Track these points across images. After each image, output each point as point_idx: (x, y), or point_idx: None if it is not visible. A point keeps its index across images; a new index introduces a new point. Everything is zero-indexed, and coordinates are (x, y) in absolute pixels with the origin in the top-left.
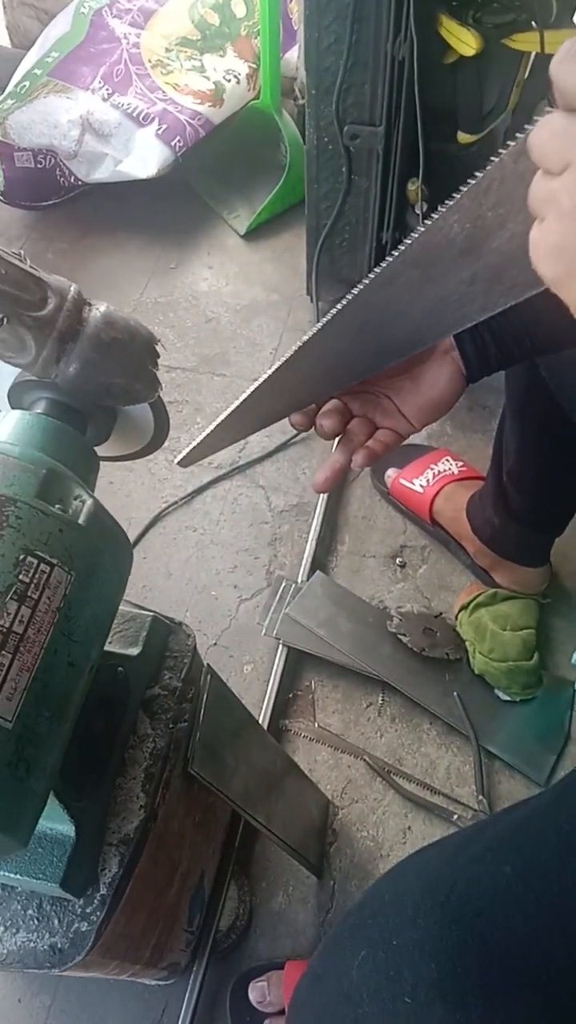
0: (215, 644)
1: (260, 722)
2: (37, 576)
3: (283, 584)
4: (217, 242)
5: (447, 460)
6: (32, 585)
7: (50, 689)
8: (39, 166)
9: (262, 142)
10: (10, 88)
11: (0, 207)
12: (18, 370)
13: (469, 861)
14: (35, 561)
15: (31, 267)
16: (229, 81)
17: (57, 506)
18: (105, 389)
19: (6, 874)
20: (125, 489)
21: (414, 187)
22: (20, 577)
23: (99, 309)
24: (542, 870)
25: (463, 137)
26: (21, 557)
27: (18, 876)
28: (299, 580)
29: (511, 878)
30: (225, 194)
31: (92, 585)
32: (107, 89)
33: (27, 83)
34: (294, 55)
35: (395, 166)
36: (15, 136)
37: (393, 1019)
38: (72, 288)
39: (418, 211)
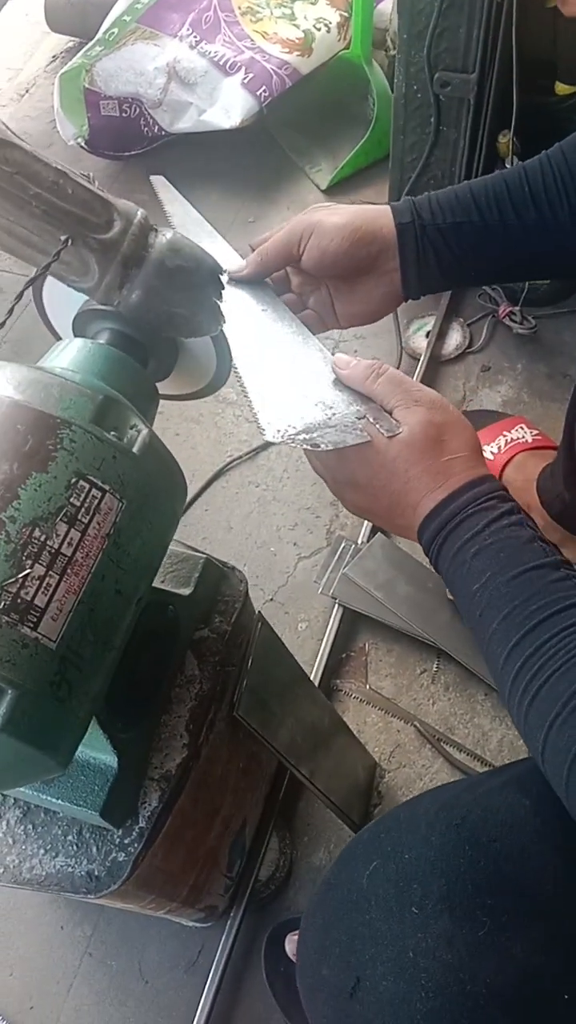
0: (271, 600)
1: (312, 680)
2: (88, 500)
3: (343, 544)
4: (297, 197)
5: (521, 428)
6: (83, 509)
7: (96, 614)
8: (124, 115)
9: (349, 94)
10: (98, 35)
11: (84, 156)
12: (85, 298)
13: (488, 792)
14: (87, 485)
15: (99, 189)
16: (319, 30)
17: (112, 433)
18: (167, 318)
19: (49, 798)
20: (191, 441)
21: (505, 140)
22: (71, 500)
23: (165, 235)
24: (559, 808)
25: (561, 88)
26: (73, 480)
27: (60, 801)
28: (359, 541)
29: (528, 810)
30: (308, 147)
31: (143, 515)
32: (195, 36)
33: (115, 30)
34: (388, 6)
35: (486, 117)
36: (101, 84)
37: (399, 927)
38: (139, 212)
39: (508, 165)
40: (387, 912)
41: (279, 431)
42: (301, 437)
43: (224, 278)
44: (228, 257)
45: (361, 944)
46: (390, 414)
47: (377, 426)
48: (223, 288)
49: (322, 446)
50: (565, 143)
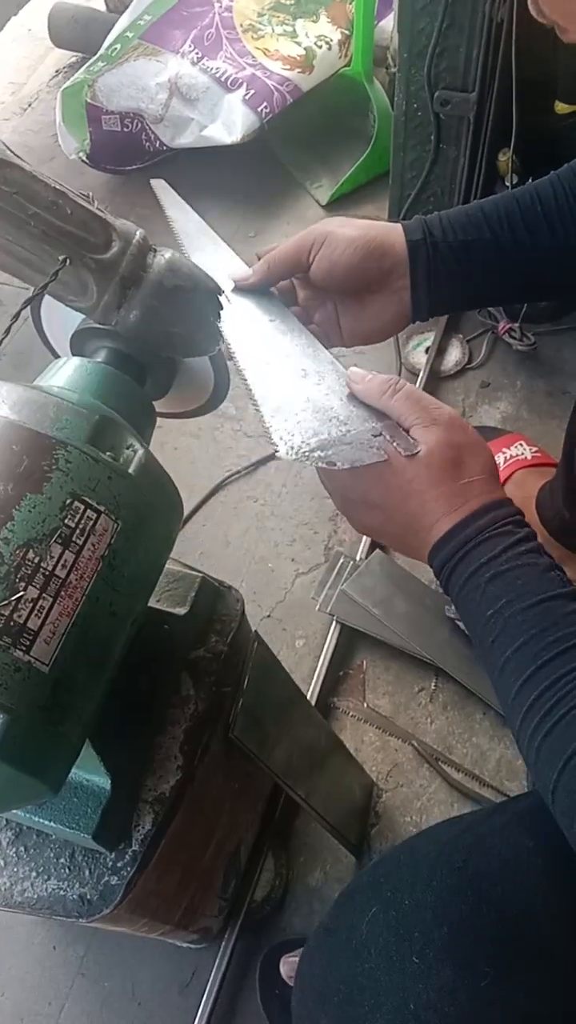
0: (268, 616)
1: (308, 698)
2: (83, 521)
3: (341, 560)
4: (298, 212)
5: (521, 444)
6: (77, 530)
7: (90, 637)
8: (125, 130)
9: (350, 111)
10: (101, 51)
11: (85, 171)
12: (83, 317)
13: (489, 832)
14: (82, 506)
15: (98, 208)
16: (320, 47)
17: (108, 453)
18: (165, 339)
19: (41, 820)
20: (189, 456)
21: (505, 158)
22: (66, 521)
23: (164, 255)
24: (563, 846)
25: (561, 107)
26: (68, 501)
27: (52, 823)
28: (357, 557)
29: (531, 852)
30: (309, 163)
31: (139, 536)
32: (197, 53)
33: (118, 46)
34: (389, 24)
35: (486, 136)
36: (103, 99)
37: (400, 977)
38: (138, 232)
39: (508, 184)
40: (388, 961)
41: (292, 448)
42: (316, 455)
43: (223, 298)
44: (232, 264)
45: (360, 994)
46: (407, 432)
47: (394, 444)
48: (221, 308)
49: (338, 464)
50: (575, 162)
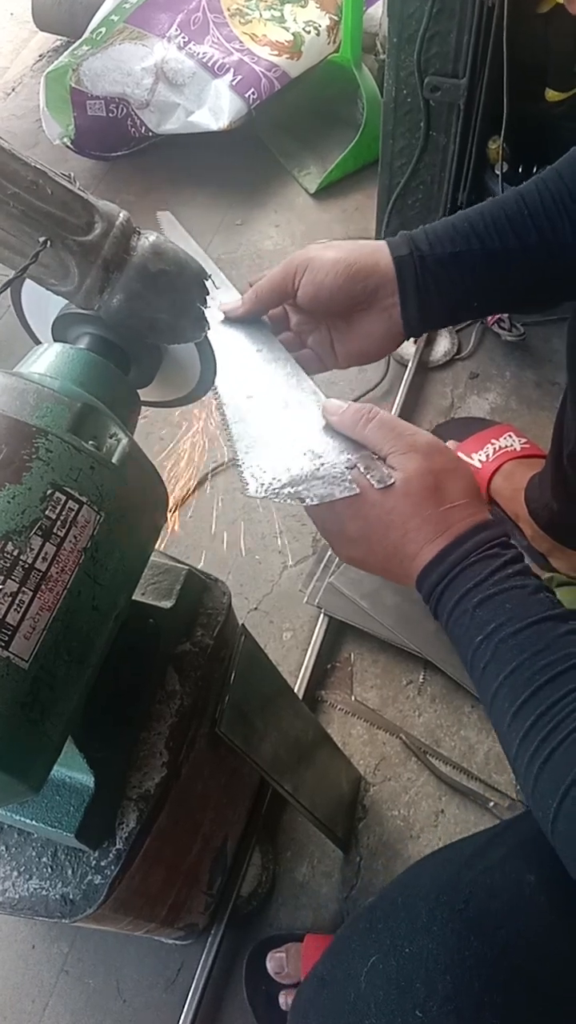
0: (256, 608)
1: (296, 691)
2: (64, 513)
3: (328, 552)
4: (285, 200)
5: (509, 436)
6: (59, 522)
7: (71, 632)
8: (111, 115)
9: (338, 98)
10: (86, 35)
11: (70, 156)
12: (66, 302)
13: (488, 867)
14: (63, 497)
15: (79, 189)
16: (309, 33)
17: (91, 443)
18: (149, 324)
19: (22, 819)
20: (176, 446)
21: (495, 146)
22: (46, 512)
23: (148, 238)
24: (565, 879)
25: (551, 95)
26: (49, 492)
27: (34, 822)
28: None
29: (533, 888)
30: (297, 150)
31: (122, 528)
32: (183, 37)
33: (103, 29)
34: (377, 10)
35: (476, 123)
36: (88, 83)
37: None
38: (121, 214)
39: (498, 171)
40: (389, 1017)
41: (262, 485)
42: (286, 491)
43: (219, 316)
44: (227, 295)
45: None
46: (384, 460)
47: (368, 476)
48: (208, 293)
49: (307, 500)
50: (560, 164)
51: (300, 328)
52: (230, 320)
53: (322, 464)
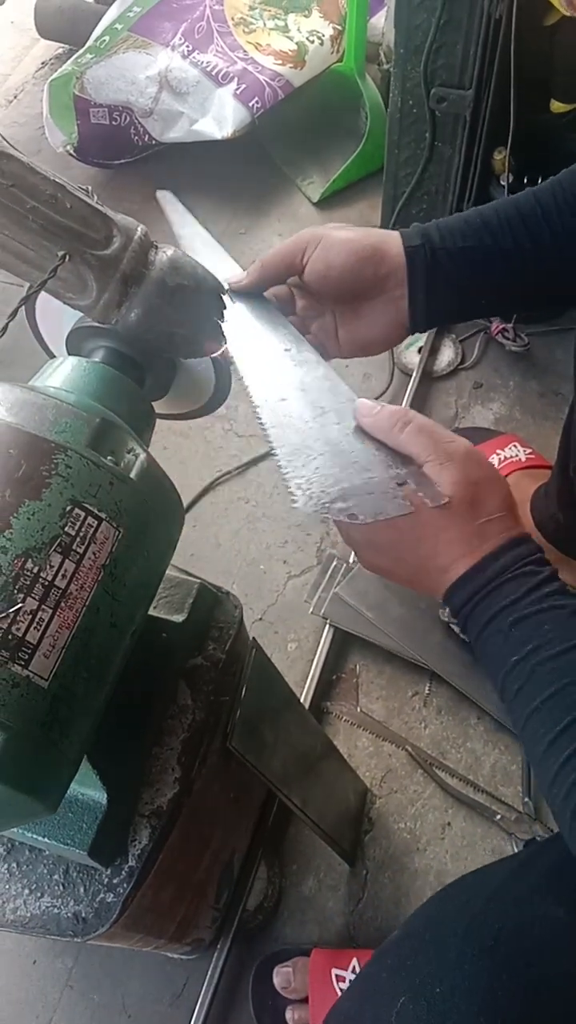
0: (260, 619)
1: (301, 702)
2: (84, 529)
3: (334, 563)
4: (288, 209)
5: (515, 446)
6: (78, 538)
7: (90, 649)
8: (114, 123)
9: (342, 107)
10: (90, 43)
11: (73, 164)
12: (78, 315)
13: (517, 901)
14: (82, 513)
15: (98, 203)
16: (312, 42)
17: (109, 458)
18: (167, 339)
19: (34, 836)
20: (180, 455)
21: (500, 157)
22: (66, 529)
23: (166, 252)
24: None
25: (557, 106)
26: (68, 508)
27: (46, 839)
28: (351, 560)
29: (564, 923)
30: (300, 159)
31: (140, 544)
32: (187, 46)
33: (107, 38)
34: (380, 20)
35: (482, 134)
36: (92, 91)
37: None
38: (139, 228)
39: (503, 182)
40: None
41: (312, 498)
42: (337, 506)
43: (227, 298)
44: (229, 270)
45: None
46: (419, 468)
47: (420, 494)
48: (225, 308)
49: (361, 518)
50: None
51: (305, 313)
52: (234, 293)
53: (371, 478)
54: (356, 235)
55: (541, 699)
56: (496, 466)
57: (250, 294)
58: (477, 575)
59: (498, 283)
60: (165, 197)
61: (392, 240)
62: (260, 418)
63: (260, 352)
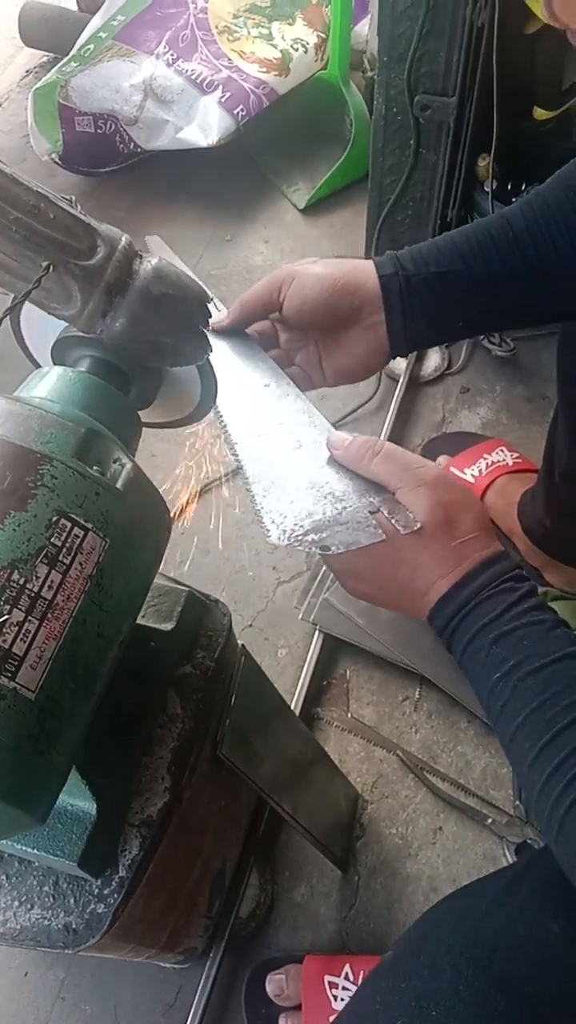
0: (250, 625)
1: (292, 708)
2: (70, 540)
3: (323, 569)
4: (275, 216)
5: (502, 450)
6: (64, 549)
7: (77, 660)
8: (99, 131)
9: (326, 115)
10: (74, 51)
11: (58, 172)
12: (64, 324)
13: (510, 918)
14: (68, 524)
15: (82, 213)
16: (297, 50)
17: (95, 468)
18: (152, 347)
19: (24, 848)
20: (167, 463)
21: (484, 163)
22: (52, 540)
23: (150, 262)
24: None
25: (539, 113)
26: (54, 519)
27: (35, 851)
28: None
29: (558, 938)
30: (285, 167)
31: (127, 554)
32: (172, 54)
33: (91, 46)
34: (364, 28)
35: (466, 141)
36: (76, 100)
37: None
38: (123, 238)
39: (487, 189)
40: None
41: (284, 532)
42: (309, 539)
43: (213, 306)
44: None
45: None
46: (392, 495)
47: (392, 520)
48: (210, 316)
49: (333, 548)
50: (544, 188)
51: (289, 345)
52: (217, 333)
53: (344, 508)
54: (328, 269)
55: (524, 715)
56: (483, 470)
57: (232, 333)
58: (457, 595)
59: (473, 306)
60: (154, 241)
61: (366, 270)
62: (237, 455)
63: (240, 390)
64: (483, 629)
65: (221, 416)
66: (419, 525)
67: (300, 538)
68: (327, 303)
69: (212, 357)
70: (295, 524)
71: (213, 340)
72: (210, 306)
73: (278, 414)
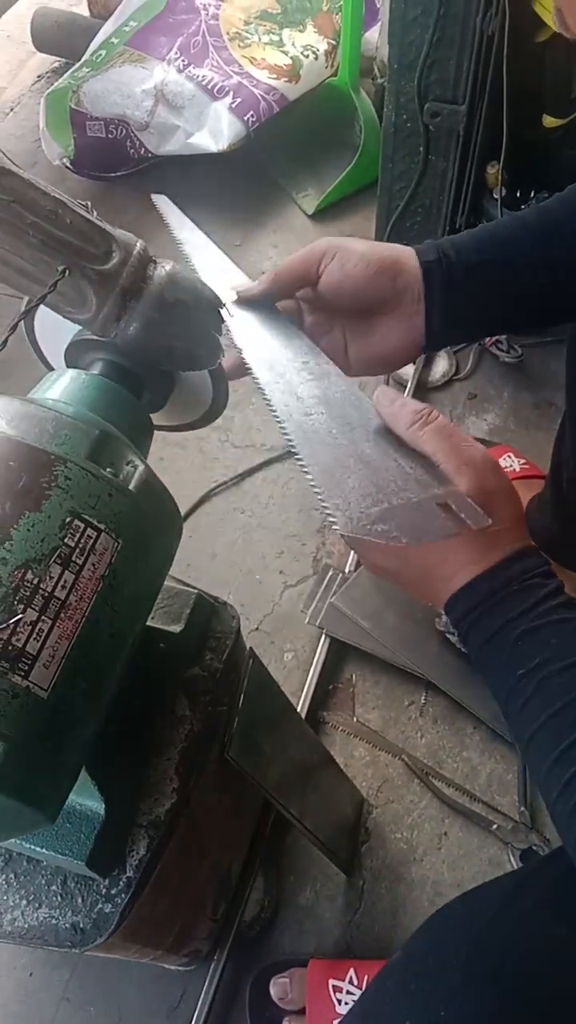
0: (257, 629)
1: (298, 712)
2: (83, 540)
3: (330, 573)
4: (284, 221)
5: (509, 456)
6: (77, 550)
7: (89, 660)
8: (110, 136)
9: (336, 121)
10: (86, 56)
11: (68, 176)
12: (76, 327)
13: (518, 920)
14: (82, 525)
15: (97, 218)
16: (307, 57)
17: (108, 469)
18: (166, 352)
19: (32, 847)
20: (175, 466)
21: (493, 171)
22: (65, 540)
23: (165, 267)
24: None
25: (549, 121)
26: (68, 519)
27: (44, 850)
28: (346, 570)
29: (567, 944)
30: (295, 172)
31: (139, 555)
32: (183, 60)
33: (103, 52)
34: (374, 35)
35: (475, 148)
36: (88, 105)
37: None
38: (138, 243)
39: (496, 196)
40: None
41: (350, 519)
42: (378, 528)
43: (225, 312)
44: (237, 278)
45: None
46: (455, 487)
47: (462, 515)
48: (223, 322)
49: (404, 540)
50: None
51: (313, 330)
52: (245, 302)
53: (409, 498)
54: (372, 248)
55: (548, 714)
56: None
57: (260, 304)
58: (483, 585)
59: (513, 298)
60: (161, 200)
61: (408, 254)
62: (287, 434)
63: (278, 365)
64: (509, 623)
65: (263, 393)
66: (490, 521)
67: (368, 527)
68: (371, 281)
69: (242, 328)
70: (361, 512)
71: (241, 311)
72: (223, 312)
73: (323, 393)
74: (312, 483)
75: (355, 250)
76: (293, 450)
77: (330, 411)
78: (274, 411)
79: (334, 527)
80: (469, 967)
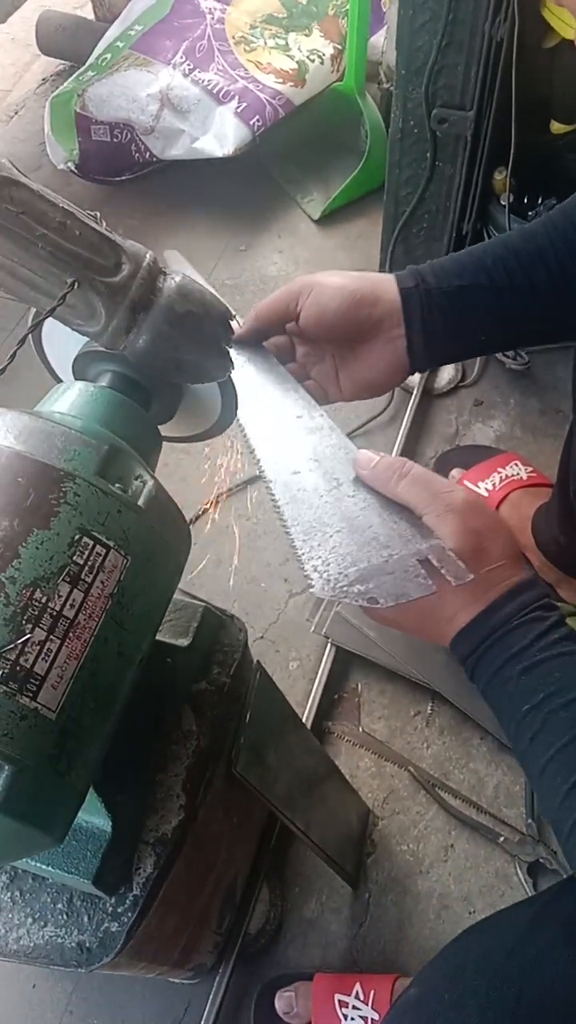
0: (261, 637)
1: (303, 722)
2: (92, 558)
3: None
4: (289, 226)
5: (515, 464)
6: (86, 567)
7: (98, 679)
8: (115, 140)
9: (342, 126)
10: (91, 60)
11: (73, 180)
12: (84, 339)
13: (538, 954)
14: (91, 542)
15: (107, 230)
16: (313, 61)
17: (117, 485)
18: (175, 365)
19: (38, 865)
20: (180, 473)
21: (501, 177)
22: (74, 558)
23: (174, 279)
24: None
25: (556, 127)
26: (76, 537)
27: (50, 868)
28: None
29: None
30: (300, 177)
31: (148, 572)
32: (188, 64)
33: (108, 55)
34: (380, 39)
35: (482, 154)
36: (93, 109)
37: None
38: (148, 255)
39: (503, 202)
40: None
41: (327, 582)
42: (355, 590)
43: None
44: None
45: None
46: (439, 542)
47: (444, 571)
48: (232, 334)
49: (381, 601)
50: (567, 204)
51: (305, 360)
52: (237, 344)
53: (390, 556)
54: (348, 280)
55: (556, 748)
56: (497, 484)
57: (251, 347)
58: (482, 624)
59: (495, 321)
60: (173, 256)
61: (386, 283)
62: (273, 494)
63: (271, 421)
64: (512, 659)
65: (253, 452)
66: (471, 577)
67: (345, 589)
68: (346, 315)
69: (237, 381)
70: (339, 573)
71: (239, 365)
72: (232, 324)
73: (313, 449)
74: (292, 543)
75: (330, 284)
76: (278, 509)
77: (319, 468)
78: (263, 471)
79: (311, 589)
80: (488, 1004)
